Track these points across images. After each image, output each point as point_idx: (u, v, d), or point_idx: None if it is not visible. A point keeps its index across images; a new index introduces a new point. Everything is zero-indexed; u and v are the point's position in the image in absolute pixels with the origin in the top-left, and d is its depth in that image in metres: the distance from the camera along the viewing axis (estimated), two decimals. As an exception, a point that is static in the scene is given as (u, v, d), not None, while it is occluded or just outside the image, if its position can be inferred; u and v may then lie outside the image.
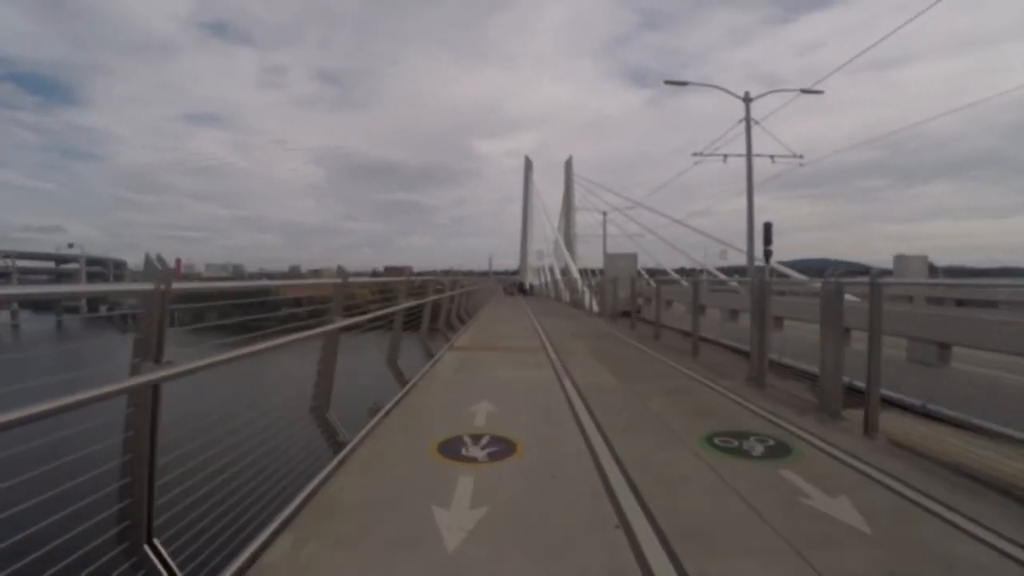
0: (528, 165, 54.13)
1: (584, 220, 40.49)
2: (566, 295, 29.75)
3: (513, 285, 52.59)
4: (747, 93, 16.30)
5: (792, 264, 20.43)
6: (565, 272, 33.32)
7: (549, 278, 39.42)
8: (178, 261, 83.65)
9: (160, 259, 2.09)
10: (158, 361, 2.11)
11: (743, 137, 16.60)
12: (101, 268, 66.96)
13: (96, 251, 75.79)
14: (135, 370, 2.04)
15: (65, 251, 61.47)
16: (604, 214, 31.48)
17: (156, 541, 2.12)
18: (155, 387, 2.12)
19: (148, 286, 2.09)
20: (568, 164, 44.58)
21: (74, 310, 37.50)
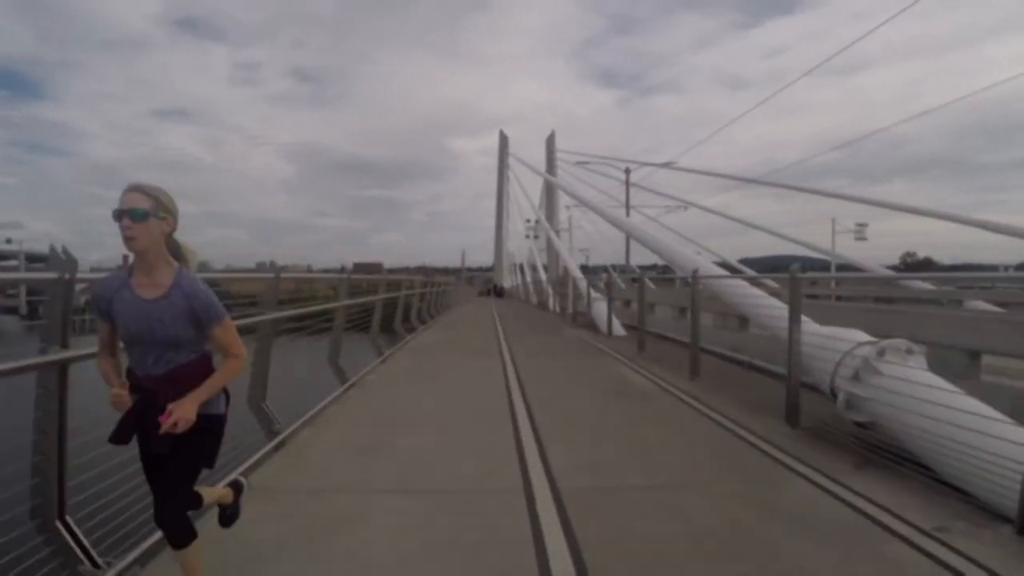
0: (504, 142, 46.41)
1: (566, 213, 35.52)
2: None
3: (486, 283, 50.66)
4: None
5: (759, 261, 20.58)
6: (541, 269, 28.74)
7: (530, 276, 34.55)
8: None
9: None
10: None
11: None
12: (44, 265, 62.59)
13: (57, 248, 70.73)
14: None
15: (3, 247, 57.29)
16: (627, 171, 24.50)
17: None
18: (63, 368, 2.22)
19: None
20: (550, 140, 38.39)
21: (12, 310, 35.76)
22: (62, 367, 2.21)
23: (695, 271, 6.34)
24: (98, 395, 2.60)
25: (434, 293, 18.04)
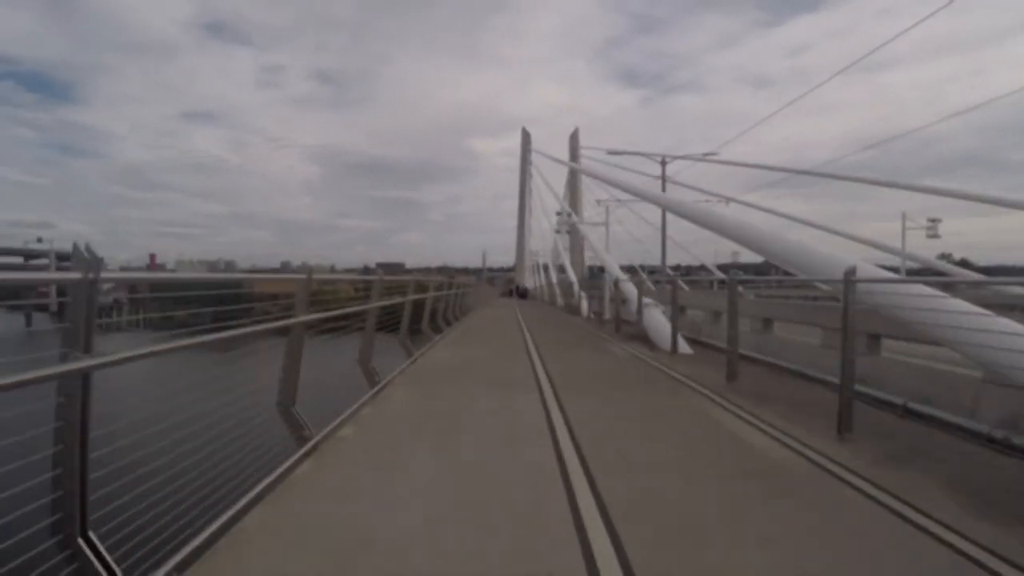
0: (526, 139, 44.23)
1: (594, 211, 32.56)
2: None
3: (508, 284, 49.50)
4: None
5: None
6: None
7: (556, 276, 31.96)
8: (152, 256, 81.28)
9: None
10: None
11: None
12: (70, 264, 63.32)
13: (81, 246, 72.86)
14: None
15: (34, 245, 58.09)
16: (663, 162, 22.30)
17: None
18: (85, 376, 1.93)
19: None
20: (574, 137, 35.66)
21: (43, 308, 36.16)
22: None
23: (850, 270, 3.99)
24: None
25: (454, 296, 14.85)
